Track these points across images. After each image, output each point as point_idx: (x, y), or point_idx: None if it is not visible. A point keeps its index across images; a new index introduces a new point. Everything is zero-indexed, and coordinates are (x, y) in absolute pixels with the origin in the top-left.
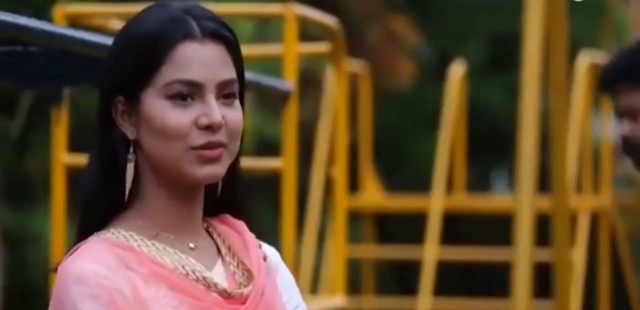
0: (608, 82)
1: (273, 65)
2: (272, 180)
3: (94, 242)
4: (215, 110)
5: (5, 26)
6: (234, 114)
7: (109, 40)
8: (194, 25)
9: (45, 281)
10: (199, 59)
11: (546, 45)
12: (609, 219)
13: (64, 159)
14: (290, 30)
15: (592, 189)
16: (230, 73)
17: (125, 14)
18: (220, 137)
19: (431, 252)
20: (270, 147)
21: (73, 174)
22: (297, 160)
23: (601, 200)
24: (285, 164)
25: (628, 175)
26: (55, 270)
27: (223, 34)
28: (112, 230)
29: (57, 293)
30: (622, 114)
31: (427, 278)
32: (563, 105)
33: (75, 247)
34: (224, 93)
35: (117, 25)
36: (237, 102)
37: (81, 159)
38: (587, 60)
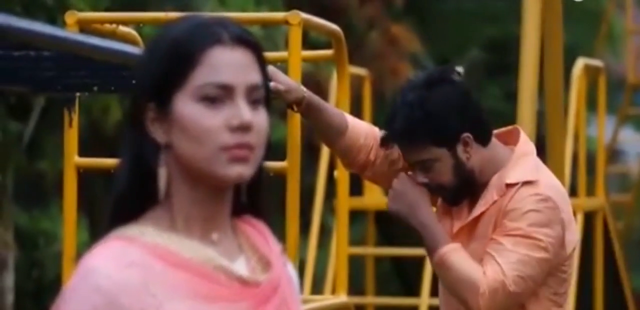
0: (389, 141)
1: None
2: (277, 182)
3: (111, 240)
4: (246, 111)
5: (20, 32)
6: (260, 119)
7: (119, 46)
8: (223, 31)
9: (58, 280)
10: (229, 63)
11: (542, 51)
12: (603, 219)
13: (76, 160)
14: (295, 35)
15: (586, 190)
16: (258, 78)
17: (136, 20)
18: (250, 139)
19: None
20: (275, 149)
21: (84, 175)
22: (301, 162)
23: (595, 201)
24: (289, 165)
25: (623, 176)
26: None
27: (250, 39)
28: (130, 226)
29: (70, 283)
30: (413, 165)
31: (427, 276)
32: (559, 110)
33: (94, 246)
34: (252, 98)
35: (128, 31)
36: (262, 108)
37: (92, 161)
38: (582, 64)
